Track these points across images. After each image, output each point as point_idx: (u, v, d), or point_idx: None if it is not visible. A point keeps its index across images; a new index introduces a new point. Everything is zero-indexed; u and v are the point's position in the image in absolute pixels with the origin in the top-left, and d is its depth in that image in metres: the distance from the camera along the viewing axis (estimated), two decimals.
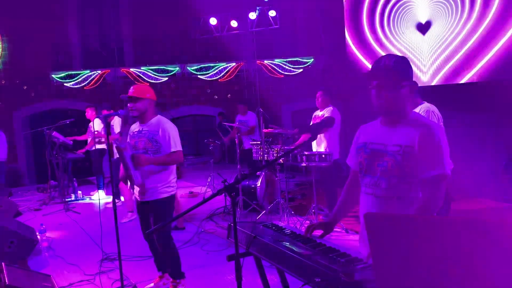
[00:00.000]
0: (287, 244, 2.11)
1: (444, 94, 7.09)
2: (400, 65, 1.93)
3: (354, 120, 8.60)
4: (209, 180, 7.84)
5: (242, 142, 7.19)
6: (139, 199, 3.67)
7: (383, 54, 7.77)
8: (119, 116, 5.94)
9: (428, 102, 4.25)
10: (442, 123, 4.39)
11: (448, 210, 4.53)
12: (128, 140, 3.73)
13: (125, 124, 4.87)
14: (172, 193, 3.66)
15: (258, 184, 6.10)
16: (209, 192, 7.74)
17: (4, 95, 12.13)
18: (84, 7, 12.43)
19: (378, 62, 1.96)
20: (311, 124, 5.35)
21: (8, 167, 8.99)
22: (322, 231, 2.20)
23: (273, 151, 5.38)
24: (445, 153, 1.88)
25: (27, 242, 4.81)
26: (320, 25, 10.07)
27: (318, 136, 5.10)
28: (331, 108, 5.49)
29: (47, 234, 5.51)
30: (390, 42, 8.08)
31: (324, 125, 2.84)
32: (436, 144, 1.87)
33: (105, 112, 7.16)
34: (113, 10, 12.25)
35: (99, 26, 12.68)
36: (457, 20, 6.81)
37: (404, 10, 7.77)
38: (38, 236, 5.16)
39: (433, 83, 7.22)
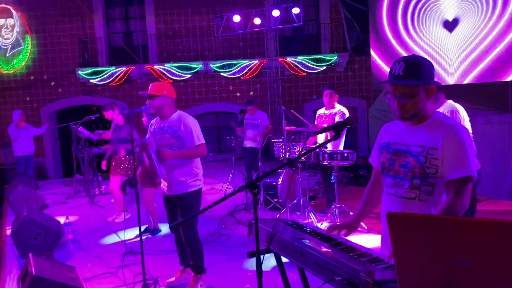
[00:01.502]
0: (308, 242, 2.10)
1: (472, 92, 6.93)
2: (414, 70, 1.88)
3: (378, 119, 8.49)
4: (230, 177, 7.89)
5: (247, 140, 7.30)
6: (166, 193, 3.73)
7: (405, 53, 7.64)
8: (143, 113, 6.02)
9: (455, 100, 4.17)
10: (468, 122, 4.30)
11: (473, 212, 4.44)
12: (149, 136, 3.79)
13: (127, 124, 4.91)
14: (199, 186, 3.69)
15: (279, 182, 6.10)
16: (230, 189, 7.78)
17: (32, 91, 12.48)
18: (111, 5, 12.64)
19: (391, 69, 1.94)
20: (315, 124, 5.34)
21: (35, 161, 9.27)
22: (346, 231, 2.20)
23: (295, 149, 5.37)
24: (470, 155, 1.83)
25: (53, 234, 4.94)
26: (344, 22, 9.96)
27: (325, 134, 5.09)
28: (341, 107, 5.47)
29: (72, 227, 5.64)
30: (414, 40, 7.94)
31: (348, 123, 2.75)
32: (461, 146, 1.83)
33: (117, 111, 7.23)
34: (139, 8, 12.42)
35: (125, 24, 12.88)
36: (487, 18, 6.65)
37: (430, 7, 7.62)
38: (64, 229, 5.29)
39: (466, 82, 7.06)
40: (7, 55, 12.39)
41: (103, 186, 8.15)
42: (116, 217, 6.15)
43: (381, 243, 2.13)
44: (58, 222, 5.36)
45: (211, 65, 11.98)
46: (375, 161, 2.20)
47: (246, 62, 11.95)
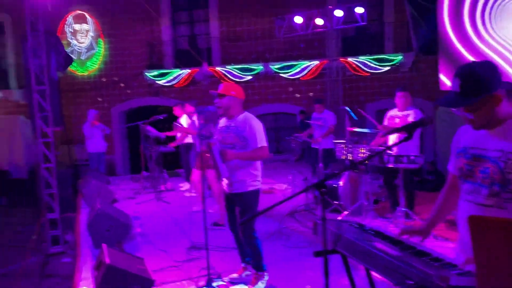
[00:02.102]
0: (376, 244, 2.08)
1: None
2: (471, 85, 1.76)
3: (447, 122, 8.10)
4: (290, 178, 7.90)
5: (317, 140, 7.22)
6: (227, 191, 3.84)
7: (470, 54, 7.18)
8: (205, 112, 6.21)
9: None
10: None
11: None
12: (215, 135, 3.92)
13: (208, 121, 5.09)
14: (258, 187, 3.77)
15: (341, 184, 6.03)
16: (289, 189, 7.79)
17: (104, 91, 13.27)
18: (177, 8, 13.13)
19: (452, 83, 1.86)
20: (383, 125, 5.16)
21: (106, 158, 9.84)
22: (418, 236, 2.15)
23: (358, 150, 5.28)
24: None
25: (124, 227, 5.24)
26: (410, 21, 9.63)
27: (396, 136, 4.94)
28: (414, 109, 5.29)
29: (140, 221, 5.94)
30: (483, 40, 7.48)
31: (422, 124, 2.63)
32: None
33: (189, 108, 7.52)
34: (203, 11, 12.80)
35: (190, 27, 13.32)
36: None
37: (504, 2, 7.15)
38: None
39: None
40: (82, 58, 13.26)
41: (169, 183, 8.49)
42: (198, 208, 6.35)
43: (457, 249, 2.05)
44: (128, 215, 5.66)
45: (271, 67, 12.07)
46: (452, 166, 2.12)
47: (306, 63, 11.90)
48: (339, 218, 5.55)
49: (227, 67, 12.22)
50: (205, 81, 12.45)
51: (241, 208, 3.76)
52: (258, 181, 3.79)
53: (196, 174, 6.36)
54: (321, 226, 2.09)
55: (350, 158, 5.41)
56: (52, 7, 8.30)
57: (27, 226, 8.98)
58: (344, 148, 5.51)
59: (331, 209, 6.03)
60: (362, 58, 11.52)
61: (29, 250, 5.98)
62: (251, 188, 3.72)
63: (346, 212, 5.64)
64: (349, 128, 5.50)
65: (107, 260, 3.65)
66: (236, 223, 3.88)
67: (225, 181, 3.84)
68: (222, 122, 3.91)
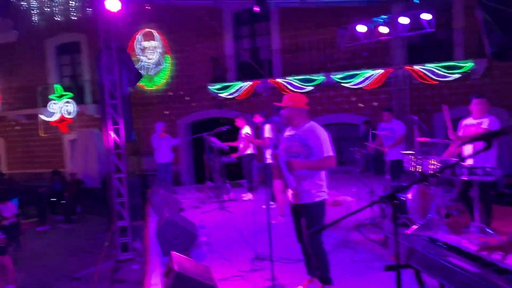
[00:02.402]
0: (453, 259, 1.98)
1: None
2: None
3: None
4: (354, 190, 7.72)
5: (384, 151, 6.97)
6: (293, 202, 3.83)
7: None
8: (274, 122, 6.29)
9: None
10: None
11: None
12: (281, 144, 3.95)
13: (278, 132, 5.14)
14: (325, 197, 3.73)
15: (409, 197, 5.78)
16: (354, 202, 7.60)
17: (170, 105, 13.86)
18: (239, 23, 13.46)
19: None
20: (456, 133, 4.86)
21: (172, 168, 10.23)
22: (499, 253, 2.01)
23: (429, 162, 5.05)
24: None
25: (190, 236, 5.39)
26: (482, 25, 9.12)
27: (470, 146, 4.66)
28: (490, 117, 4.97)
29: (205, 230, 6.07)
30: None
31: (503, 132, 2.47)
32: None
33: (258, 118, 7.61)
34: (264, 24, 13.01)
35: (252, 40, 13.57)
36: None
37: None
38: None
39: None
40: (150, 73, 13.96)
41: (231, 193, 8.63)
42: (275, 219, 6.32)
43: None
44: (194, 224, 5.82)
45: (332, 76, 11.94)
46: None
47: (370, 72, 11.63)
48: (408, 232, 5.32)
49: (287, 78, 12.27)
50: (266, 92, 12.59)
51: (307, 219, 3.73)
52: (324, 191, 3.76)
53: (277, 184, 6.38)
54: (392, 239, 2.03)
55: (420, 170, 5.18)
56: (123, 26, 8.86)
57: (100, 233, 9.54)
58: (413, 159, 5.29)
59: (400, 223, 5.80)
60: (429, 66, 11.06)
61: (102, 256, 6.33)
62: (317, 199, 3.69)
63: (415, 226, 5.39)
64: (418, 139, 5.28)
65: (176, 268, 3.76)
66: (302, 234, 3.85)
67: (290, 192, 3.84)
68: (288, 131, 3.94)
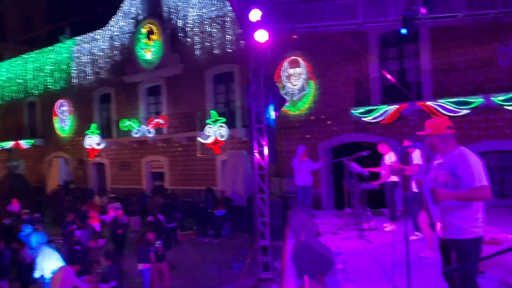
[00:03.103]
0: None
1: None
2: None
3: None
4: None
5: None
6: (440, 236, 3.53)
7: None
8: (416, 148, 5.90)
9: None
10: None
11: None
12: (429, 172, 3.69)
13: (428, 160, 4.80)
14: (479, 234, 3.34)
15: None
16: None
17: (312, 128, 14.09)
18: (386, 45, 13.08)
19: None
20: None
21: (312, 192, 10.31)
22: None
23: None
24: None
25: (326, 262, 5.35)
26: None
27: None
28: None
29: (342, 257, 5.94)
30: None
31: None
32: None
33: (406, 143, 7.20)
34: (413, 45, 12.39)
35: (399, 61, 13.05)
36: None
37: None
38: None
39: None
40: (294, 99, 14.45)
41: (372, 222, 8.29)
42: (425, 252, 5.94)
43: None
44: (331, 250, 5.76)
45: (492, 98, 10.68)
46: None
47: None
48: None
49: (439, 101, 11.39)
50: (413, 115, 11.89)
51: (458, 257, 3.36)
52: (479, 227, 3.34)
53: (422, 216, 6.00)
54: None
55: None
56: (271, 55, 9.43)
57: (244, 250, 10.10)
58: None
59: None
60: None
61: (243, 272, 6.69)
62: (470, 236, 3.30)
63: None
64: None
65: None
66: (450, 271, 3.47)
67: (439, 224, 3.54)
68: (438, 159, 3.67)
